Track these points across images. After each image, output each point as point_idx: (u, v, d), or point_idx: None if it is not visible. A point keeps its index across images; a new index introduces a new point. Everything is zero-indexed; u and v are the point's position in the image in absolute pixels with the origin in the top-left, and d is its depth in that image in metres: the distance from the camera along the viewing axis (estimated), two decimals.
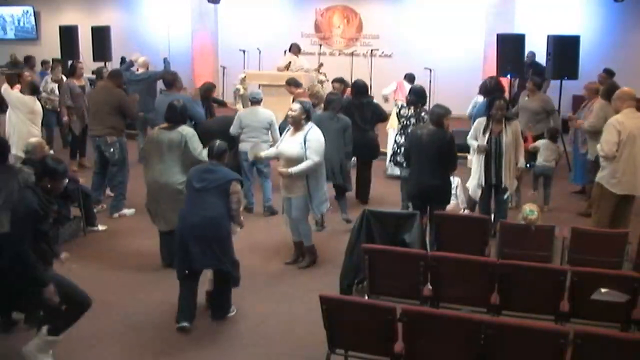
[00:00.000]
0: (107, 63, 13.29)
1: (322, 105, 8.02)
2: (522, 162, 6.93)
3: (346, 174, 7.75)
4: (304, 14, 16.06)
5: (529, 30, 12.17)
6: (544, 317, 4.67)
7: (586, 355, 3.68)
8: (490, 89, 8.27)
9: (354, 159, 8.57)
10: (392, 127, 9.28)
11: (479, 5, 13.78)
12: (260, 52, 15.26)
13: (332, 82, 9.48)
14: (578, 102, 9.96)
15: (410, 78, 11.13)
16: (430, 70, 13.88)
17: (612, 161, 6.35)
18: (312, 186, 6.22)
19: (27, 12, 18.53)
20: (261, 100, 8.24)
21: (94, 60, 13.58)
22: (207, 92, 9.46)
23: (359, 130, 8.16)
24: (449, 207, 6.69)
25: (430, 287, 4.95)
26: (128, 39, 15.83)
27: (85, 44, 13.95)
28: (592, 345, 3.68)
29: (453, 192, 6.86)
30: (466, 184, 7.14)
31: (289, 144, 6.26)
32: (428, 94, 8.40)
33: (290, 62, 12.36)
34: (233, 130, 8.01)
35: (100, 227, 7.48)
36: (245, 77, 11.44)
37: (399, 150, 7.70)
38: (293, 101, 8.61)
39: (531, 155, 8.27)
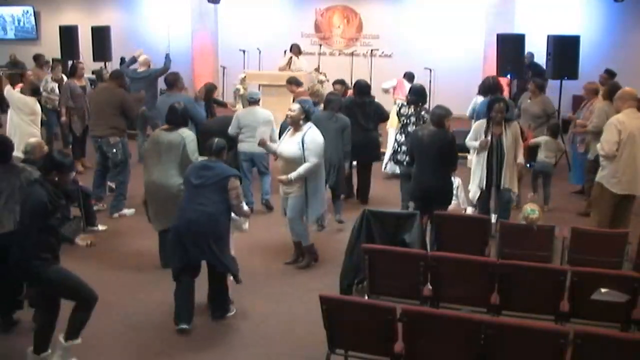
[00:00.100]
0: (107, 63, 13.32)
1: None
2: (521, 158, 6.95)
3: (341, 176, 7.70)
4: (304, 14, 16.06)
5: (529, 30, 12.18)
6: (544, 317, 4.68)
7: (586, 355, 3.68)
8: (489, 88, 8.27)
9: (354, 163, 8.57)
10: (392, 126, 9.29)
11: (479, 5, 13.78)
12: (260, 52, 15.25)
13: (333, 84, 9.46)
14: (578, 102, 9.97)
15: (409, 77, 11.14)
16: (430, 70, 13.88)
17: (613, 161, 6.36)
18: (310, 188, 6.21)
19: (27, 12, 18.52)
20: (259, 100, 8.25)
21: (94, 60, 13.59)
22: (208, 93, 9.49)
23: (362, 130, 8.16)
24: (450, 208, 6.69)
25: (430, 287, 4.95)
26: (128, 39, 15.82)
27: (85, 44, 13.96)
28: (592, 345, 3.68)
29: (454, 192, 6.88)
30: (468, 187, 7.15)
31: (288, 144, 6.26)
32: (428, 94, 8.40)
33: (291, 58, 12.39)
34: (231, 130, 8.01)
35: (100, 227, 7.48)
36: (245, 77, 11.44)
37: (399, 149, 7.71)
38: (293, 100, 8.64)
39: (531, 154, 8.27)
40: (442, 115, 6.39)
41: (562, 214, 8.02)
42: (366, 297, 5.06)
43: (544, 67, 11.60)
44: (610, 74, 9.95)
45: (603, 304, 4.47)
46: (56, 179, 4.37)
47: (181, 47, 15.54)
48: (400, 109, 7.89)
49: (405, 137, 7.58)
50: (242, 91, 10.84)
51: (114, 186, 8.25)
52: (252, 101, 8.20)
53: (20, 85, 9.31)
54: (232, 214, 5.36)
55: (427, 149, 6.35)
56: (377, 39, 15.56)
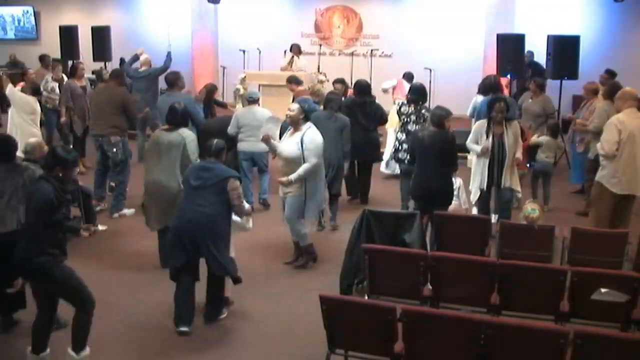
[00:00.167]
0: (107, 63, 13.32)
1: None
2: (519, 153, 6.96)
3: (340, 177, 7.66)
4: (304, 14, 16.06)
5: (529, 30, 12.18)
6: (544, 317, 4.68)
7: (586, 355, 3.68)
8: (490, 87, 8.26)
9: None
10: (391, 126, 9.30)
11: (479, 5, 13.78)
12: (260, 52, 15.25)
13: (334, 83, 9.48)
14: (578, 102, 9.97)
15: (409, 77, 11.13)
16: (430, 70, 13.88)
17: (612, 160, 6.36)
18: (309, 188, 6.21)
19: (27, 12, 18.52)
20: (258, 99, 8.26)
21: (94, 60, 13.60)
22: (209, 94, 9.50)
23: (363, 130, 8.15)
24: (450, 208, 6.69)
25: (430, 287, 4.95)
26: (128, 39, 15.81)
27: (85, 44, 13.97)
28: (592, 345, 3.68)
29: (455, 192, 6.88)
30: (469, 187, 7.15)
31: (287, 144, 6.26)
32: (428, 94, 8.40)
33: (293, 57, 12.40)
34: (231, 129, 8.03)
35: (100, 227, 7.46)
36: (245, 77, 11.45)
37: (400, 147, 7.72)
38: (293, 99, 8.65)
39: (531, 154, 8.27)
40: (442, 116, 6.40)
41: (562, 214, 8.02)
42: (366, 297, 5.06)
43: (544, 66, 11.61)
44: (610, 74, 9.95)
45: (603, 304, 4.47)
46: (60, 174, 4.37)
47: (181, 47, 15.52)
48: (400, 108, 7.90)
49: (406, 135, 7.59)
50: (242, 91, 10.84)
51: (113, 185, 8.26)
52: (251, 100, 8.22)
53: (22, 84, 9.32)
54: (234, 216, 5.36)
55: (427, 150, 6.35)
56: (377, 39, 15.55)
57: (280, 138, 6.66)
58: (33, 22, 18.51)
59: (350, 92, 9.22)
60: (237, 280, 5.32)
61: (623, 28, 13.55)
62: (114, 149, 7.91)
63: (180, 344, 5.02)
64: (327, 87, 10.06)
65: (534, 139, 8.25)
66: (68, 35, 13.79)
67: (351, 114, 7.96)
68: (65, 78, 10.60)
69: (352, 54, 15.69)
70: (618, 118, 6.39)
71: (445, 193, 6.47)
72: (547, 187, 8.33)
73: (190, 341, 5.06)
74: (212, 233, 5.12)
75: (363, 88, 8.46)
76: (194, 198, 5.18)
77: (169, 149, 6.13)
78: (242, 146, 8.05)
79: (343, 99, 8.58)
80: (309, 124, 6.28)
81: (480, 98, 9.10)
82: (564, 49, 10.67)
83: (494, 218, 6.86)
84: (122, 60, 14.22)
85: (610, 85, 8.07)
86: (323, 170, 6.48)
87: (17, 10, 18.68)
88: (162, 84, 9.71)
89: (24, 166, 5.19)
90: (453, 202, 6.81)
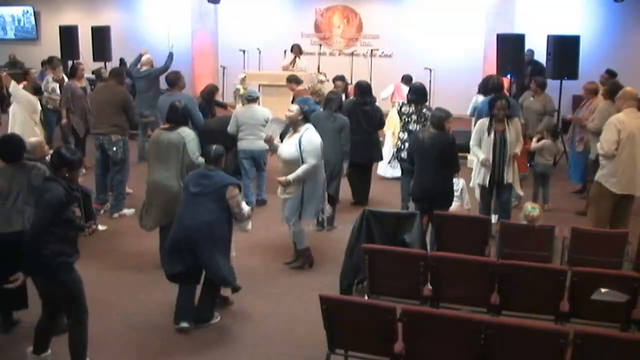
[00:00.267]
0: (107, 63, 13.30)
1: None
2: (518, 149, 6.99)
3: (339, 178, 7.61)
4: (304, 14, 16.06)
5: (529, 30, 12.18)
6: (544, 317, 4.68)
7: (586, 355, 3.68)
8: (492, 88, 8.26)
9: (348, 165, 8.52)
10: (389, 129, 9.31)
11: (479, 5, 13.78)
12: (260, 52, 15.25)
13: (334, 80, 9.51)
14: (578, 102, 9.97)
15: (407, 80, 11.09)
16: (430, 70, 13.88)
17: (612, 160, 6.37)
18: (308, 189, 6.20)
19: (27, 12, 18.53)
20: (257, 98, 8.27)
21: (94, 60, 13.59)
22: (210, 95, 9.50)
23: (363, 133, 8.14)
24: (453, 209, 6.69)
25: (430, 287, 4.95)
26: (128, 39, 15.83)
27: (85, 44, 13.96)
28: (592, 345, 3.68)
29: (457, 193, 6.88)
30: (470, 184, 7.14)
31: (286, 146, 6.26)
32: (428, 94, 8.39)
33: (295, 58, 12.41)
34: (230, 128, 8.05)
35: (100, 227, 7.47)
36: (245, 77, 11.45)
37: (402, 147, 7.72)
38: (293, 99, 8.65)
39: (531, 154, 8.28)
40: (442, 118, 6.39)
41: (562, 214, 8.02)
42: (366, 297, 5.06)
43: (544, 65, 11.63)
44: (611, 74, 9.96)
45: (603, 304, 4.47)
46: (67, 175, 4.37)
47: (181, 47, 15.49)
48: (401, 108, 7.90)
49: (408, 134, 7.59)
50: (242, 91, 10.85)
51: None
52: (251, 99, 8.24)
53: (24, 83, 9.32)
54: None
55: (427, 152, 6.35)
56: (377, 39, 15.55)
57: (282, 139, 6.65)
58: (33, 22, 18.52)
59: (350, 88, 9.21)
60: (235, 289, 5.33)
61: (623, 28, 13.55)
62: (114, 148, 7.91)
63: (181, 344, 5.02)
64: (327, 87, 10.07)
65: (534, 144, 8.25)
66: (68, 35, 13.78)
67: (352, 116, 7.95)
68: (66, 79, 10.59)
69: (352, 54, 15.69)
70: (618, 118, 6.40)
71: (446, 195, 6.47)
72: (547, 187, 8.33)
73: (190, 341, 5.06)
74: (212, 240, 5.11)
75: (364, 88, 8.44)
76: (193, 205, 5.18)
77: (169, 149, 6.11)
78: (242, 145, 8.06)
79: (344, 96, 8.57)
80: (307, 125, 6.27)
81: (480, 98, 9.11)
82: (564, 49, 10.67)
83: (494, 218, 6.86)
84: (122, 60, 14.25)
85: (610, 85, 8.07)
86: (322, 171, 6.47)
87: (17, 10, 18.68)
88: (163, 84, 9.70)
89: (31, 165, 5.16)
90: (455, 203, 6.82)
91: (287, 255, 6.68)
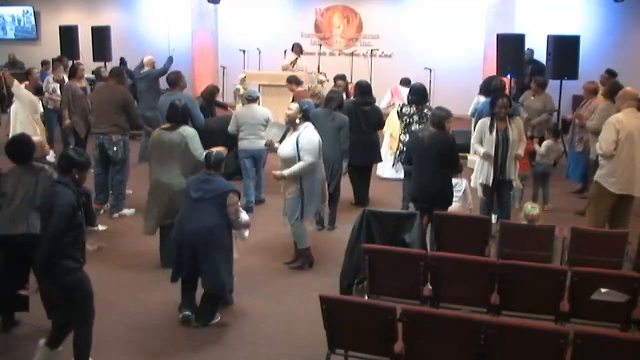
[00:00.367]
0: (107, 63, 13.30)
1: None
2: (521, 150, 6.98)
3: (338, 177, 7.60)
4: (304, 14, 16.06)
5: (529, 30, 12.17)
6: (544, 317, 4.68)
7: (586, 355, 3.68)
8: (494, 90, 8.26)
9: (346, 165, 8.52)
10: (388, 129, 9.30)
11: (479, 5, 13.78)
12: (260, 52, 15.26)
13: (335, 79, 9.52)
14: (578, 102, 9.98)
15: (405, 82, 11.02)
16: (430, 70, 13.89)
17: (610, 160, 6.36)
18: (306, 187, 6.20)
19: (27, 12, 18.54)
20: (257, 98, 8.27)
21: (94, 60, 13.59)
22: (211, 95, 9.51)
23: (363, 133, 8.13)
24: (456, 209, 6.68)
25: (430, 287, 4.95)
26: (128, 39, 15.83)
27: (85, 44, 13.97)
28: (592, 345, 3.68)
29: (460, 194, 6.86)
30: (471, 184, 7.14)
31: (284, 145, 6.27)
32: (428, 94, 8.39)
33: (296, 58, 12.41)
34: (230, 128, 8.07)
35: (100, 227, 7.47)
36: (245, 77, 11.44)
37: (404, 148, 7.71)
38: (293, 100, 8.64)
39: (532, 154, 8.28)
40: (442, 117, 6.38)
41: (562, 214, 8.01)
42: (366, 297, 5.06)
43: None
44: (611, 74, 9.96)
45: (603, 304, 4.47)
46: (77, 176, 4.35)
47: (181, 47, 15.52)
48: (401, 109, 7.89)
49: (409, 136, 7.58)
50: (242, 91, 10.83)
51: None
52: (250, 99, 8.25)
53: (26, 82, 9.33)
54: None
55: (427, 151, 6.33)
56: (377, 39, 15.56)
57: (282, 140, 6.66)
58: (33, 22, 18.52)
59: (350, 87, 9.20)
60: (227, 302, 5.39)
61: (623, 28, 13.56)
62: (115, 148, 7.90)
63: (181, 343, 5.02)
64: (327, 87, 10.07)
65: (540, 150, 8.25)
66: (68, 35, 13.79)
67: (352, 116, 7.94)
68: (66, 78, 10.59)
69: (352, 54, 15.70)
70: (617, 118, 6.40)
71: (445, 195, 6.44)
72: (546, 187, 8.34)
73: (190, 341, 5.07)
74: (212, 244, 5.13)
75: (364, 88, 8.43)
76: (194, 211, 5.20)
77: (171, 149, 6.12)
78: (242, 144, 8.07)
79: (344, 95, 8.56)
80: (307, 123, 6.27)
81: (482, 99, 9.10)
82: (564, 49, 10.67)
83: (494, 218, 6.86)
84: (122, 60, 14.25)
85: (610, 85, 8.07)
86: (322, 170, 6.47)
87: (17, 10, 18.69)
88: (163, 84, 9.70)
89: (39, 167, 5.13)
90: (457, 203, 6.80)
91: (287, 255, 6.68)
